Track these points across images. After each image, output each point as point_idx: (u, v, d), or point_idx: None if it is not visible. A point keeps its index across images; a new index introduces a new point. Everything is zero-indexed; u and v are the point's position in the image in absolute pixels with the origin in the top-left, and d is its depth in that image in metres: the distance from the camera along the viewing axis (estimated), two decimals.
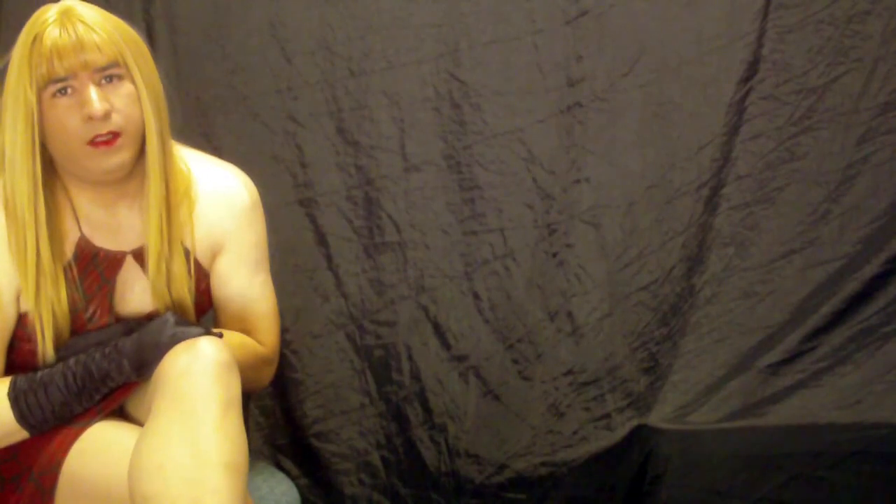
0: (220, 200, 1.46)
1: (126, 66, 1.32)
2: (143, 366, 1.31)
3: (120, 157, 1.33)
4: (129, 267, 1.41)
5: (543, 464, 2.05)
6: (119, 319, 1.41)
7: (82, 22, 1.31)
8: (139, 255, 1.41)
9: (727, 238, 2.09)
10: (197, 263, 1.45)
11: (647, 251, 2.10)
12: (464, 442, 2.09)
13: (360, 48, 2.14)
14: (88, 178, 1.35)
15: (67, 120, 1.30)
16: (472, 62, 2.13)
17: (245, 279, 1.49)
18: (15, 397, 1.32)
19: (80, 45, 1.29)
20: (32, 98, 1.29)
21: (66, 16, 1.31)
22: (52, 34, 1.29)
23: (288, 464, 2.15)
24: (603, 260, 2.11)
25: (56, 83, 1.30)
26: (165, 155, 1.38)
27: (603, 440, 2.04)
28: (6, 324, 1.36)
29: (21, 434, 1.33)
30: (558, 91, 2.13)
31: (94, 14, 1.33)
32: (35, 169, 1.32)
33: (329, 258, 2.15)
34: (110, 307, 1.40)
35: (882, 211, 2.05)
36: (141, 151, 1.37)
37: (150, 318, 1.39)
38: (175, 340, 1.29)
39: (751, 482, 1.93)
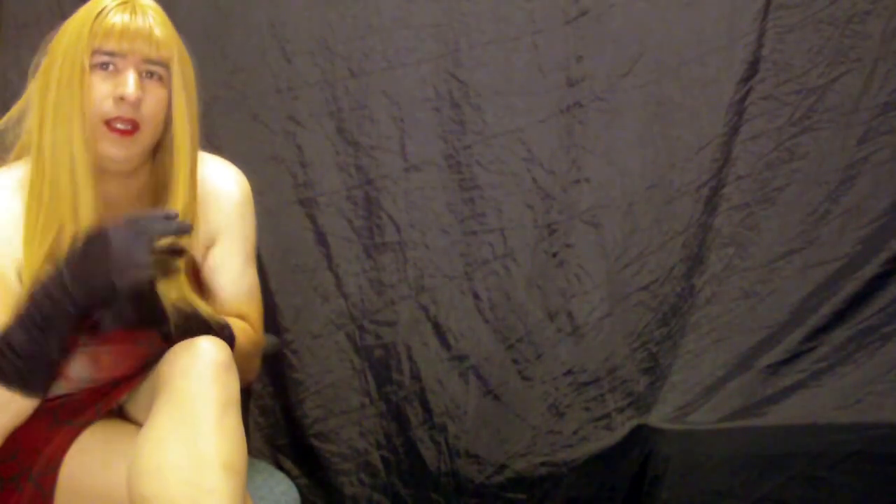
0: (215, 195, 1.49)
1: (171, 71, 1.37)
2: (85, 277, 1.22)
3: (130, 150, 1.35)
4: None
5: (543, 464, 2.05)
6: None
7: (154, 13, 1.36)
8: None
9: (727, 238, 2.09)
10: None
11: (647, 251, 2.10)
12: (464, 442, 2.09)
13: (360, 48, 2.15)
14: (96, 161, 1.35)
15: (98, 92, 1.32)
16: (472, 62, 2.13)
17: (237, 270, 1.51)
18: None
19: (145, 33, 1.33)
20: (87, 64, 1.31)
21: (137, 2, 1.35)
22: (123, 14, 1.33)
23: (288, 464, 2.15)
24: (603, 260, 2.11)
25: (103, 55, 1.32)
26: (195, 163, 1.41)
27: (603, 440, 2.04)
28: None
29: (15, 400, 1.24)
30: (558, 91, 2.13)
31: (161, 13, 1.38)
32: (87, 137, 1.32)
33: (329, 258, 2.15)
34: None
35: (882, 211, 2.05)
36: (148, 151, 1.39)
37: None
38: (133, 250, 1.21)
39: (751, 482, 1.93)
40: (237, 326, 1.45)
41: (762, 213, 2.09)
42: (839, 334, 2.03)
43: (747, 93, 2.10)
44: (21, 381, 1.25)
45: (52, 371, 1.28)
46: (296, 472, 2.15)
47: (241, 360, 1.46)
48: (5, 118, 1.41)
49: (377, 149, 2.15)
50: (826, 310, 2.03)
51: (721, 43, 2.09)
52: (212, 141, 2.12)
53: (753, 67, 2.09)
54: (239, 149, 2.13)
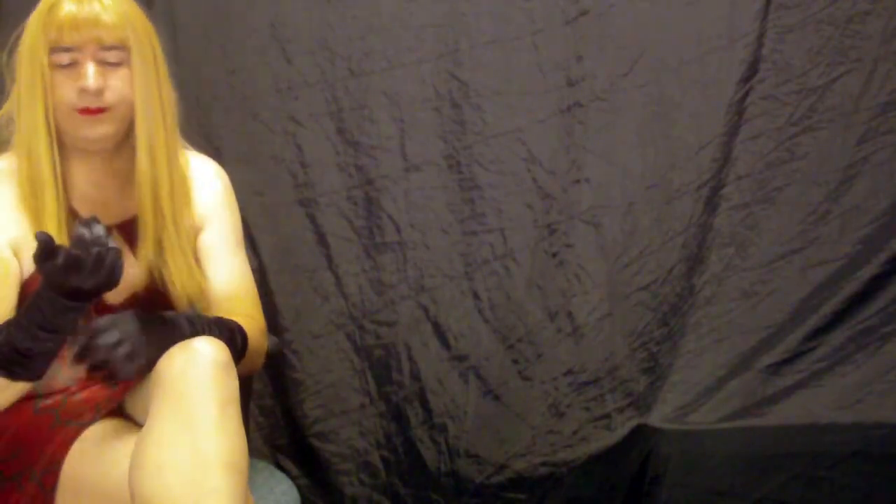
0: (198, 184, 1.52)
1: (129, 49, 1.38)
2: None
3: (103, 128, 1.37)
4: (115, 240, 1.43)
5: (543, 464, 2.05)
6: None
7: (99, 0, 1.37)
8: (124, 229, 1.45)
9: (727, 238, 2.09)
10: None
11: (647, 251, 2.10)
12: (464, 442, 2.09)
13: (360, 48, 2.15)
14: (77, 144, 1.40)
15: (63, 87, 1.35)
16: (472, 62, 2.13)
17: (227, 256, 1.54)
18: None
19: (93, 21, 1.35)
20: (45, 61, 1.34)
21: None
22: (70, 5, 1.35)
23: (288, 464, 2.15)
24: (603, 260, 2.11)
25: (61, 52, 1.35)
26: (162, 135, 1.42)
27: (603, 440, 2.04)
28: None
29: (14, 384, 1.28)
30: (558, 91, 2.13)
31: None
32: (51, 128, 1.36)
33: (329, 258, 2.15)
34: None
35: (882, 211, 2.05)
36: (124, 129, 1.41)
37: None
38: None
39: (751, 482, 1.93)
40: (245, 326, 1.46)
41: (762, 213, 2.09)
42: (839, 334, 2.03)
43: (747, 93, 2.09)
44: (27, 375, 1.29)
45: (54, 356, 1.31)
46: (296, 472, 2.14)
47: (249, 356, 1.47)
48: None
49: (377, 149, 2.15)
50: (826, 310, 2.03)
51: (721, 43, 2.09)
52: (212, 141, 2.12)
53: (753, 67, 2.09)
54: (239, 149, 2.13)
